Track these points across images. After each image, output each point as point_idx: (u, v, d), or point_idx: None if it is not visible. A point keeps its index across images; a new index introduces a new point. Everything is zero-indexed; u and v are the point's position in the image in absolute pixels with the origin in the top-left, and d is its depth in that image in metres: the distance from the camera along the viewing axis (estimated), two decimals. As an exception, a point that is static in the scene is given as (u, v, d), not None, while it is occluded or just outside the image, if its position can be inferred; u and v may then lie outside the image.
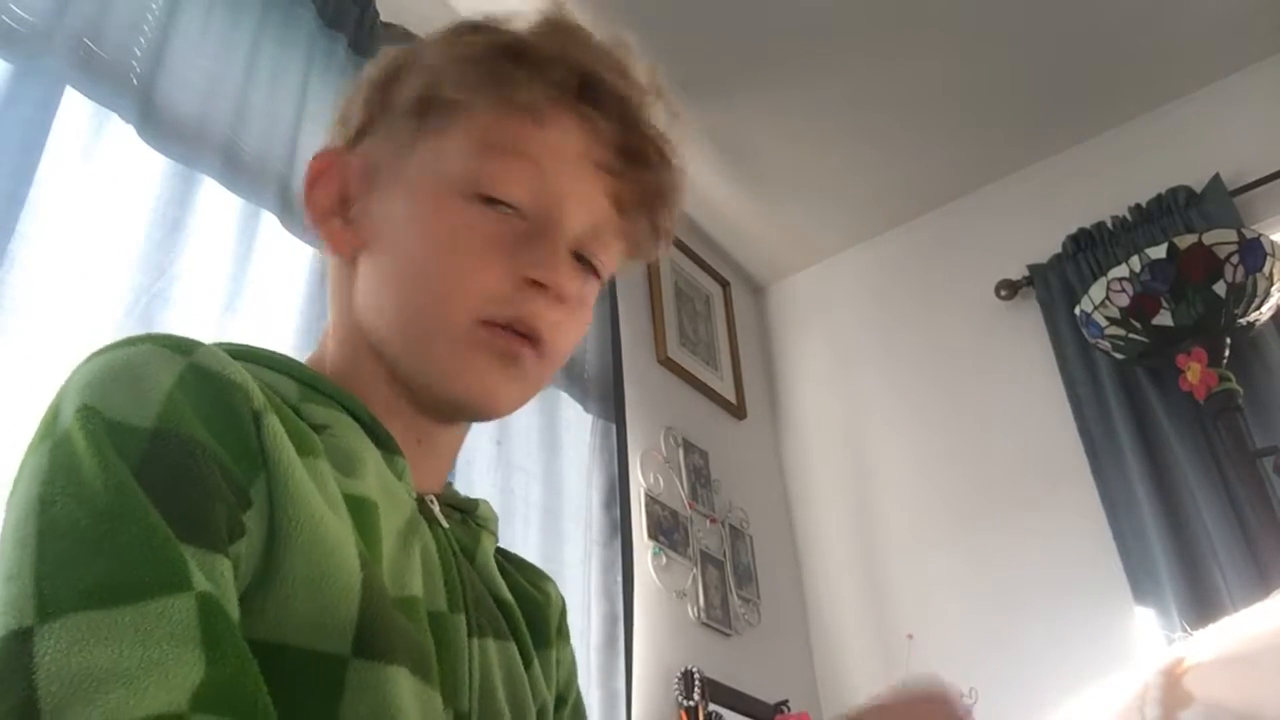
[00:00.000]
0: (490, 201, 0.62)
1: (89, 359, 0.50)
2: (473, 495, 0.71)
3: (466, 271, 0.61)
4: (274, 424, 0.50)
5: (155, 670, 0.39)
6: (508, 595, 0.67)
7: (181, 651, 0.40)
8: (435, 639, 0.55)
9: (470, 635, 0.59)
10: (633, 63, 0.68)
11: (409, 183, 0.64)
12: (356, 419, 0.60)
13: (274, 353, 0.61)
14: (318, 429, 0.56)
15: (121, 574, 0.41)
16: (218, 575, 0.44)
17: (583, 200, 0.65)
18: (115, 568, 0.41)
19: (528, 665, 0.65)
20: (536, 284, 0.61)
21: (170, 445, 0.46)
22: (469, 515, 0.68)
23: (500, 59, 0.63)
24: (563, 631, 0.74)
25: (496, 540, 0.71)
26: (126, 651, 0.39)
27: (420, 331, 0.61)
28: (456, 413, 0.65)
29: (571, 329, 0.66)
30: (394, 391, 0.63)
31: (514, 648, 0.64)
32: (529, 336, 0.62)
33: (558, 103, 0.64)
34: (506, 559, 0.73)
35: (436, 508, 0.64)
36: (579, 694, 0.76)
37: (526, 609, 0.69)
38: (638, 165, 0.67)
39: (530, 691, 0.63)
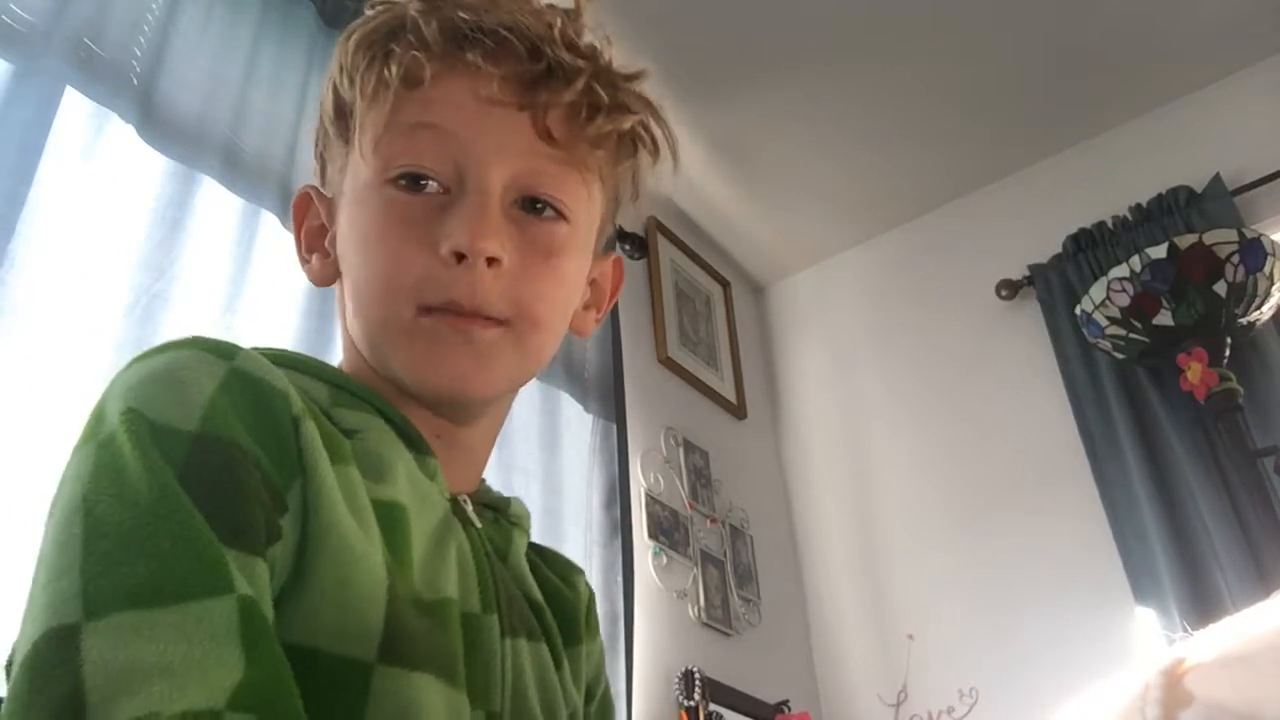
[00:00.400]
0: (412, 184, 0.60)
1: (132, 363, 0.50)
2: None
3: (395, 262, 0.59)
4: (311, 430, 0.51)
5: (196, 668, 0.40)
6: (539, 595, 0.66)
7: (221, 652, 0.41)
8: (468, 640, 0.55)
9: (503, 636, 0.58)
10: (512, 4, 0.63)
11: (347, 196, 0.63)
12: (388, 420, 0.59)
13: (304, 356, 0.61)
14: (349, 433, 0.56)
15: (165, 575, 0.42)
16: (256, 578, 0.45)
17: (495, 146, 0.60)
18: (158, 569, 0.42)
19: (558, 667, 0.64)
20: (460, 256, 0.58)
21: (213, 448, 0.47)
22: (501, 514, 0.67)
23: (375, 44, 0.61)
24: (591, 625, 0.73)
25: (529, 537, 0.70)
26: (169, 649, 0.40)
27: (379, 335, 0.60)
28: (443, 405, 0.62)
29: (537, 285, 0.61)
30: (402, 395, 0.62)
31: (545, 649, 0.63)
32: (477, 312, 0.59)
33: (431, 61, 0.60)
34: (536, 552, 0.72)
35: (469, 507, 0.63)
36: (607, 685, 0.75)
37: (557, 605, 0.68)
38: (542, 89, 0.61)
39: (562, 694, 0.63)
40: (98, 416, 0.48)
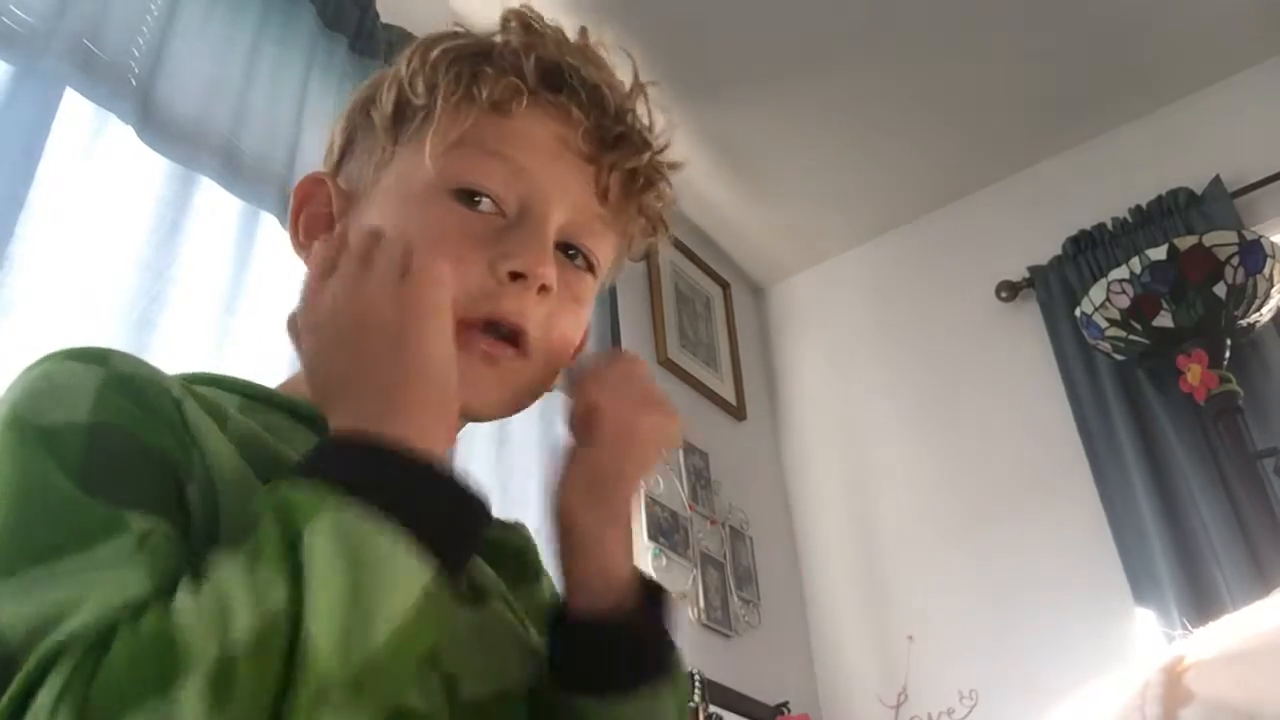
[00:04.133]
0: (468, 199, 0.62)
1: (9, 387, 0.52)
2: None
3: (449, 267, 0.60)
4: (193, 406, 0.53)
5: (108, 580, 0.44)
6: (485, 572, 0.67)
7: (129, 570, 0.45)
8: None
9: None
10: (606, 53, 0.67)
11: (386, 192, 0.64)
12: (300, 418, 0.60)
13: (220, 375, 0.62)
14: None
15: (63, 534, 0.45)
16: (162, 528, 0.47)
17: (562, 190, 0.64)
18: (56, 529, 0.46)
19: (515, 613, 0.66)
20: (516, 276, 0.60)
21: (110, 433, 0.49)
22: None
23: (464, 61, 0.63)
24: (541, 566, 0.75)
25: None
26: (80, 580, 0.44)
27: None
28: None
29: (564, 323, 0.65)
30: None
31: (496, 605, 0.64)
32: (509, 336, 0.61)
33: (525, 94, 0.63)
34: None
35: None
36: None
37: (504, 553, 0.70)
38: (616, 151, 0.66)
39: (521, 638, 0.64)
40: None
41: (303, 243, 0.68)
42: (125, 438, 0.49)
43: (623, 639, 0.61)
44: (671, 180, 0.70)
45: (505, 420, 1.95)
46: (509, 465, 1.87)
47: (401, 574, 0.45)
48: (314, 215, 0.68)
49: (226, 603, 0.42)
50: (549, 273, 0.61)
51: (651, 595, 0.64)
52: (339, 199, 0.67)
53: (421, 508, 0.47)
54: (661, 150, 0.68)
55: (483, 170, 0.62)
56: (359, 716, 0.43)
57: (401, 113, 0.64)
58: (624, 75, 0.68)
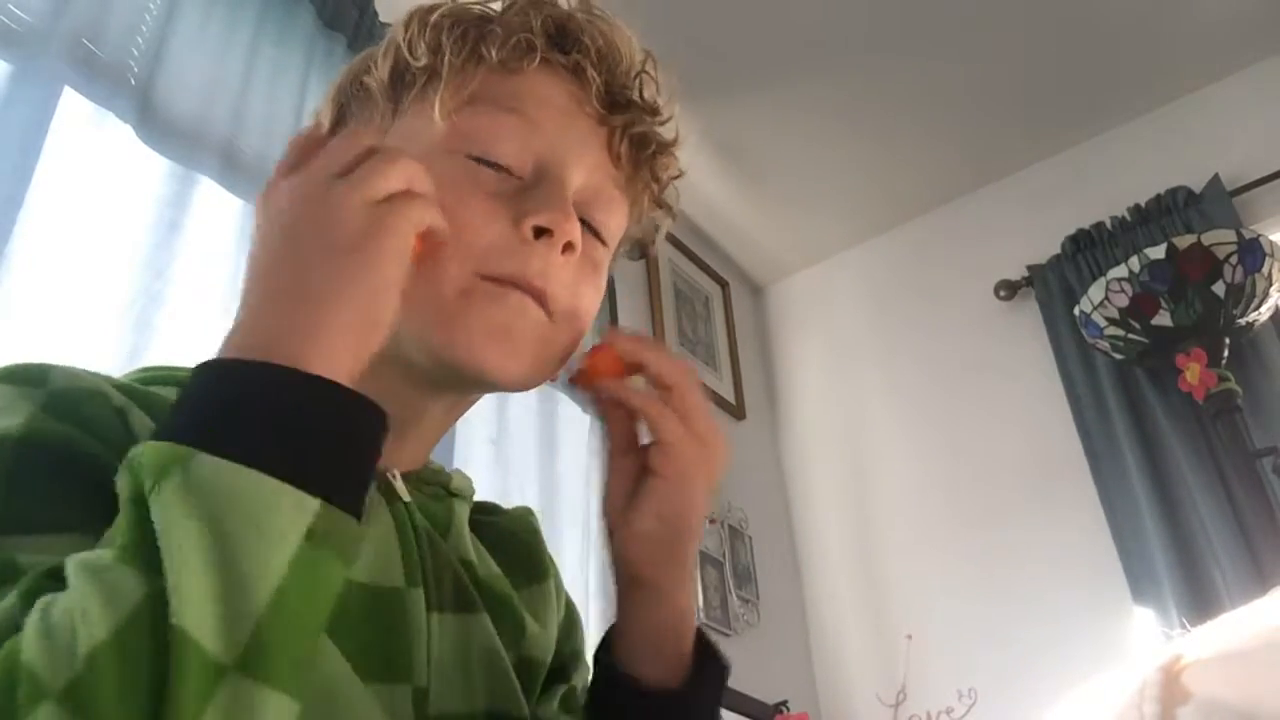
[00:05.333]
0: (481, 163, 0.59)
1: None
2: None
3: (463, 226, 0.55)
4: (140, 417, 0.50)
5: None
6: (491, 565, 0.65)
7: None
8: (389, 615, 0.55)
9: (429, 610, 0.57)
10: (613, 24, 0.65)
11: None
12: None
13: (180, 369, 0.59)
14: None
15: None
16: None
17: (579, 149, 0.61)
18: None
19: (521, 632, 0.64)
20: (543, 233, 0.57)
21: (43, 445, 0.46)
22: (443, 488, 0.66)
23: (469, 22, 0.61)
24: (551, 563, 0.72)
25: (469, 506, 0.68)
26: None
27: (415, 298, 0.54)
28: (458, 382, 0.59)
29: (586, 290, 0.61)
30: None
31: (484, 619, 0.61)
32: (542, 292, 0.57)
33: (536, 52, 0.60)
34: (486, 512, 0.71)
35: (398, 482, 0.61)
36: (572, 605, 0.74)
37: (514, 551, 0.68)
38: (628, 113, 0.63)
39: (509, 660, 0.62)
40: None
41: None
42: (60, 452, 0.46)
43: (679, 713, 0.59)
44: (677, 149, 0.67)
45: (504, 418, 1.95)
46: (506, 465, 1.87)
47: (274, 522, 0.39)
48: None
49: (79, 612, 0.36)
50: (575, 229, 0.58)
51: (707, 656, 0.62)
52: None
53: (295, 439, 0.41)
54: (670, 119, 0.66)
55: (497, 127, 0.59)
56: (264, 693, 0.38)
57: (400, 77, 0.62)
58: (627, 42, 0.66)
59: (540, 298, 0.57)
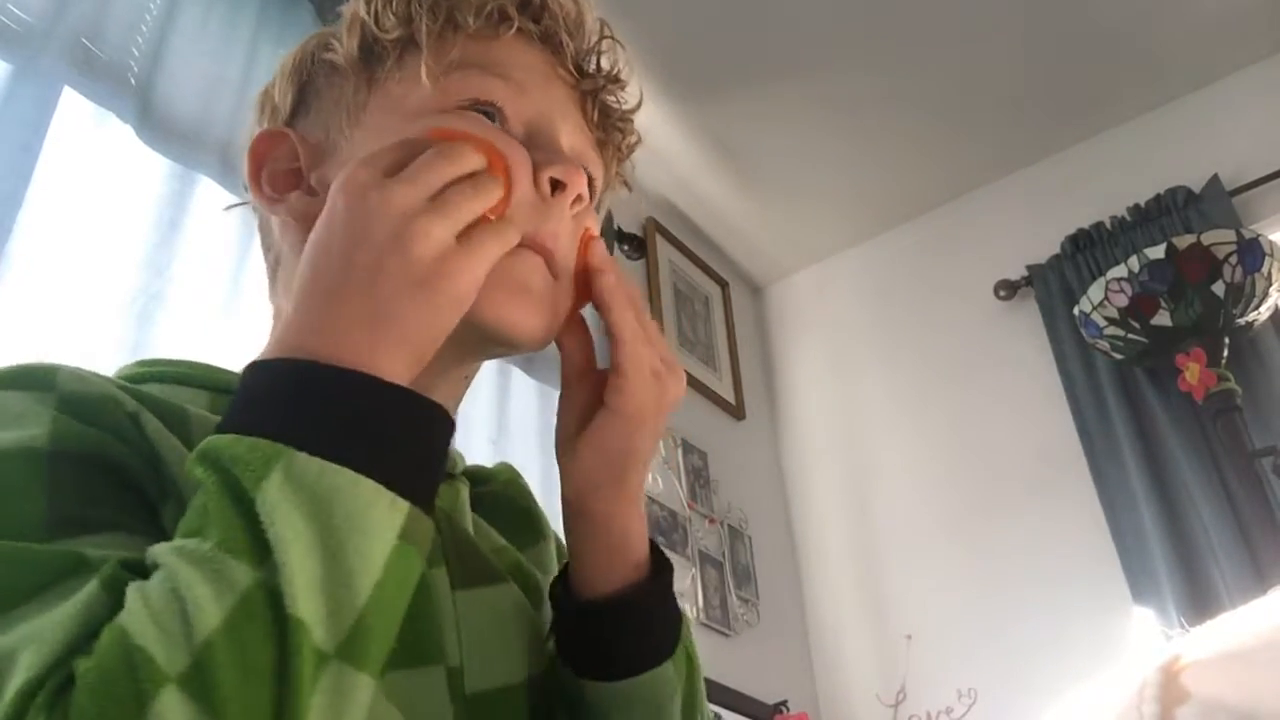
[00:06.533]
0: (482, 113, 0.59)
1: None
2: None
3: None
4: (152, 421, 0.50)
5: (58, 619, 0.39)
6: (495, 543, 0.65)
7: (80, 606, 0.40)
8: (413, 600, 0.55)
9: (454, 588, 0.57)
10: None
11: (371, 127, 0.60)
12: None
13: (190, 367, 0.59)
14: None
15: (17, 578, 0.42)
16: (120, 548, 0.44)
17: (563, 111, 0.62)
18: (12, 573, 0.42)
19: (540, 596, 0.63)
20: (557, 187, 0.57)
21: (69, 461, 0.46)
22: (450, 473, 0.66)
23: None
24: (548, 524, 0.72)
25: (467, 481, 0.68)
26: (32, 624, 0.39)
27: None
28: (479, 341, 0.58)
29: (576, 252, 0.61)
30: None
31: (513, 588, 0.61)
32: (553, 255, 0.57)
33: (512, 20, 0.61)
34: (479, 482, 0.70)
35: None
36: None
37: (509, 514, 0.69)
38: (597, 79, 0.64)
39: (537, 625, 0.62)
40: None
41: (273, 196, 0.62)
42: (84, 463, 0.47)
43: (633, 620, 0.59)
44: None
45: (504, 418, 1.96)
46: (507, 460, 1.87)
47: (374, 520, 0.41)
48: (276, 173, 0.62)
49: (185, 597, 0.38)
50: (584, 181, 0.58)
51: (658, 566, 0.62)
52: (306, 151, 0.62)
53: (384, 444, 0.43)
54: (627, 86, 0.67)
55: (487, 89, 0.59)
56: (359, 678, 0.40)
57: (370, 51, 0.61)
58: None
59: (549, 259, 0.57)
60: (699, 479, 2.51)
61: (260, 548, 0.39)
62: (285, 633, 0.38)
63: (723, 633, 2.33)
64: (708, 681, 2.13)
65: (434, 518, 0.58)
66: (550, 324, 0.59)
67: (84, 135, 1.40)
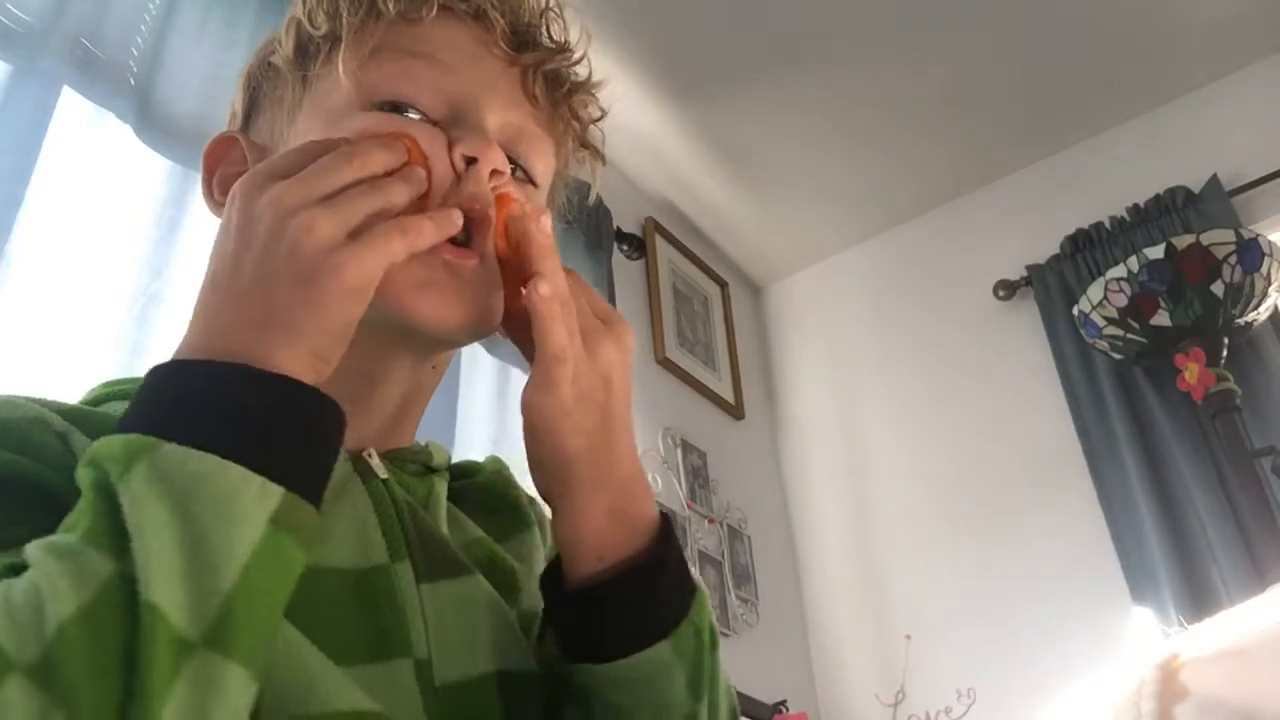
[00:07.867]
0: (394, 111, 0.58)
1: None
2: None
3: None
4: (80, 439, 0.51)
5: None
6: (470, 536, 0.64)
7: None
8: (376, 593, 0.54)
9: (419, 581, 0.56)
10: None
11: (303, 126, 0.61)
12: None
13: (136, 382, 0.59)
14: None
15: None
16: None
17: (490, 88, 0.61)
18: None
19: (516, 588, 0.63)
20: (471, 162, 0.57)
21: None
22: (424, 466, 0.65)
23: None
24: (533, 515, 0.71)
25: (447, 475, 0.67)
26: None
27: None
28: (408, 336, 0.58)
29: None
30: None
31: (480, 579, 0.60)
32: (466, 242, 0.56)
33: (434, 2, 0.60)
34: (464, 475, 0.70)
35: (374, 460, 0.60)
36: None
37: (494, 506, 0.68)
38: (536, 52, 0.63)
39: (517, 611, 0.61)
40: None
41: (221, 200, 0.63)
42: (4, 486, 0.47)
43: (618, 602, 0.57)
44: (594, 88, 0.67)
45: (504, 418, 1.95)
46: (507, 460, 1.87)
47: (240, 507, 0.41)
48: (227, 176, 0.63)
49: (44, 590, 0.38)
50: (499, 156, 0.58)
51: (659, 545, 0.59)
52: (253, 154, 0.63)
53: (256, 431, 0.43)
54: (580, 59, 0.66)
55: (404, 72, 0.59)
56: (228, 667, 0.39)
57: (304, 49, 0.61)
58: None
59: (465, 248, 0.56)
60: (698, 479, 2.51)
61: (123, 538, 0.39)
62: (139, 619, 0.38)
63: (722, 633, 2.33)
64: (707, 681, 2.13)
65: (394, 506, 0.58)
66: (479, 313, 0.58)
67: (83, 135, 1.40)
